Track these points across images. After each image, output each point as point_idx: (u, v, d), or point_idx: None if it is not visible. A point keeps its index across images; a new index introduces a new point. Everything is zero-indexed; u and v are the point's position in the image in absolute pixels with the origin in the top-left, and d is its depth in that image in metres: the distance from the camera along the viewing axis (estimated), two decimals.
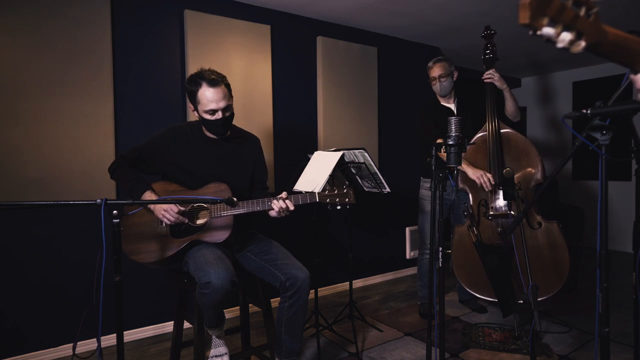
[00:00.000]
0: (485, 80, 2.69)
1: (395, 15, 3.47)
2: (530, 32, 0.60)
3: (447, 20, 3.58)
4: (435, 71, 2.82)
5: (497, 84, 2.67)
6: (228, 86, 1.89)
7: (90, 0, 2.51)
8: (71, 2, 2.45)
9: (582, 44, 0.63)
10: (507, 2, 3.19)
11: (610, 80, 5.06)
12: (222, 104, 1.85)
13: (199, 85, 1.83)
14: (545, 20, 0.59)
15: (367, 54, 3.80)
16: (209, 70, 1.87)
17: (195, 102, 1.87)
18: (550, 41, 0.61)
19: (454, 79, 2.85)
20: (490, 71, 2.68)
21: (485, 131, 2.62)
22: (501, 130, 2.60)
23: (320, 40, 3.51)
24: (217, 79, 1.84)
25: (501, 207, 2.52)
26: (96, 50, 2.54)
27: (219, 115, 1.86)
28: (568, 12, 0.60)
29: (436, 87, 2.86)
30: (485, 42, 2.76)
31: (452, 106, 2.92)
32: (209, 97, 1.82)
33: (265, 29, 3.19)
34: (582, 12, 0.62)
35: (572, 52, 0.64)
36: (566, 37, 0.61)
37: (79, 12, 2.48)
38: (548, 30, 0.59)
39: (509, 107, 2.76)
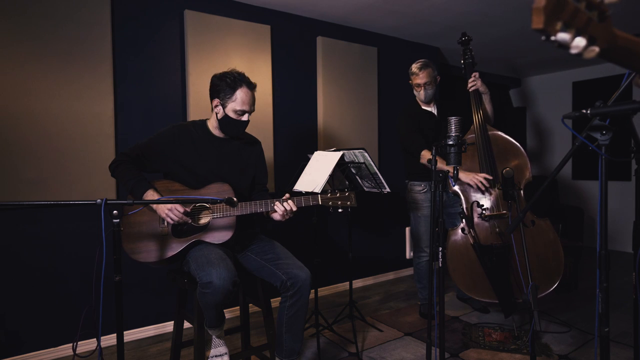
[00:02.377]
0: (471, 90, 2.72)
1: (395, 15, 3.47)
2: (543, 38, 0.57)
3: (447, 20, 3.58)
4: (421, 78, 2.81)
5: (481, 88, 2.72)
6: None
7: (90, 0, 2.51)
8: (71, 3, 2.46)
9: (596, 49, 0.60)
10: (506, 2, 3.20)
11: (610, 80, 5.06)
12: (252, 108, 1.96)
13: (238, 85, 1.90)
14: (559, 25, 0.56)
15: (367, 54, 3.80)
16: (245, 74, 1.96)
17: (226, 98, 1.91)
18: (563, 47, 0.59)
19: (437, 83, 2.88)
20: (473, 77, 2.72)
21: (473, 133, 2.64)
22: (489, 132, 2.62)
23: (320, 40, 3.51)
24: (254, 84, 1.96)
25: (495, 207, 2.53)
26: (96, 50, 2.54)
27: (245, 117, 1.95)
28: (581, 16, 0.57)
29: (420, 94, 2.86)
30: (462, 48, 2.82)
31: (433, 109, 2.94)
32: (245, 98, 1.91)
33: (265, 29, 3.19)
34: (595, 15, 0.59)
35: (585, 58, 0.61)
36: (580, 42, 0.58)
37: (79, 13, 2.48)
38: (563, 36, 0.57)
39: (488, 110, 2.81)
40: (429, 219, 2.91)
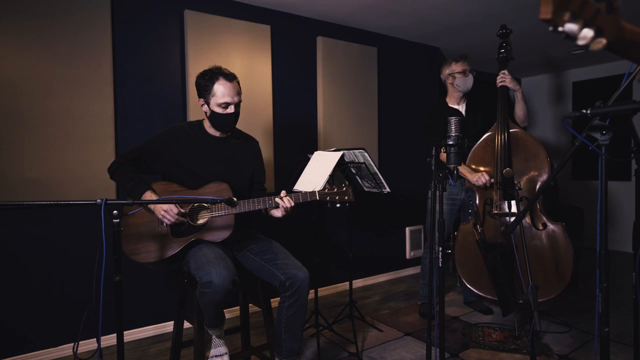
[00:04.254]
0: (498, 85, 2.66)
1: (395, 15, 3.47)
2: (551, 28, 0.57)
3: (447, 20, 3.58)
4: (462, 65, 2.83)
5: (510, 85, 2.64)
6: (239, 83, 1.98)
7: (90, 0, 2.51)
8: (71, 3, 2.46)
9: (603, 41, 0.60)
10: (506, 2, 3.19)
11: (610, 80, 5.06)
12: (236, 99, 1.94)
13: (215, 79, 1.90)
14: (567, 16, 0.56)
15: (367, 54, 3.80)
16: (222, 67, 1.96)
17: (208, 95, 1.92)
18: (571, 38, 0.58)
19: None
20: (502, 74, 2.65)
21: (494, 131, 2.61)
22: (511, 130, 2.57)
23: (320, 40, 3.51)
24: (232, 75, 1.94)
25: (506, 206, 2.51)
26: (96, 50, 2.54)
27: (231, 109, 1.93)
28: (590, 7, 0.57)
29: (460, 80, 2.82)
30: (500, 42, 2.72)
31: (462, 107, 2.92)
32: (224, 90, 1.90)
33: (265, 29, 3.19)
34: (603, 7, 0.59)
35: (592, 50, 0.60)
36: (588, 33, 0.58)
37: (79, 12, 2.48)
38: (571, 27, 0.56)
39: (519, 110, 2.74)
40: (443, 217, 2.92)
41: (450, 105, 2.94)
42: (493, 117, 2.66)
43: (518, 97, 2.72)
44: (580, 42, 0.59)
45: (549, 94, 5.72)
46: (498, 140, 2.56)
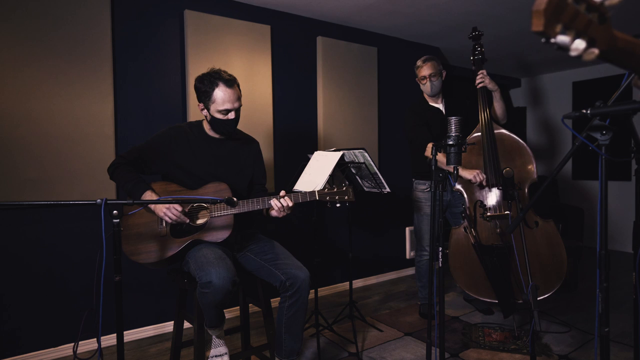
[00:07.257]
0: (478, 87, 2.70)
1: (395, 15, 3.47)
2: (543, 40, 0.57)
3: (447, 20, 3.58)
4: (426, 70, 2.81)
5: (489, 86, 2.70)
6: (239, 87, 1.94)
7: (90, 0, 2.51)
8: (71, 3, 2.46)
9: (596, 51, 0.60)
10: (506, 2, 3.19)
11: (610, 80, 5.06)
12: (236, 105, 1.90)
13: (214, 85, 1.85)
14: (559, 27, 0.56)
15: (367, 54, 3.80)
16: (222, 70, 1.89)
17: (208, 101, 1.88)
18: (563, 49, 0.58)
19: (443, 78, 2.86)
20: (481, 74, 2.69)
21: (479, 132, 2.63)
22: (495, 131, 2.60)
23: (320, 40, 3.51)
24: (232, 80, 1.89)
25: (497, 207, 2.52)
26: (96, 50, 2.54)
27: (231, 115, 1.90)
28: (581, 18, 0.57)
29: (426, 86, 2.85)
30: (473, 44, 2.78)
31: (441, 106, 2.92)
32: (224, 97, 1.86)
33: (265, 29, 3.19)
34: (595, 17, 0.59)
35: (584, 60, 0.61)
36: (580, 45, 0.58)
37: (80, 13, 2.48)
38: (563, 39, 0.57)
39: (498, 109, 2.79)
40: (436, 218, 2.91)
41: (430, 104, 2.93)
42: (474, 116, 2.67)
43: (496, 96, 2.76)
44: (573, 54, 0.59)
45: (549, 94, 5.72)
46: (484, 141, 2.58)
